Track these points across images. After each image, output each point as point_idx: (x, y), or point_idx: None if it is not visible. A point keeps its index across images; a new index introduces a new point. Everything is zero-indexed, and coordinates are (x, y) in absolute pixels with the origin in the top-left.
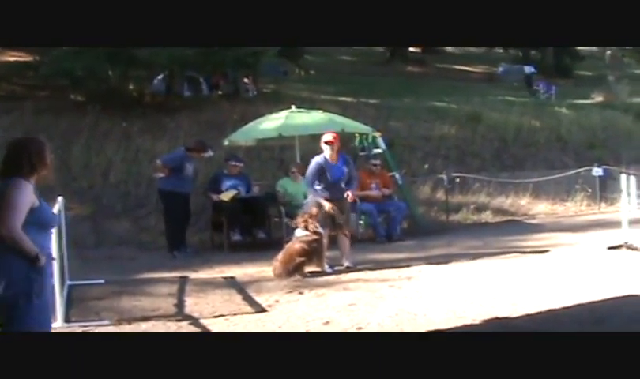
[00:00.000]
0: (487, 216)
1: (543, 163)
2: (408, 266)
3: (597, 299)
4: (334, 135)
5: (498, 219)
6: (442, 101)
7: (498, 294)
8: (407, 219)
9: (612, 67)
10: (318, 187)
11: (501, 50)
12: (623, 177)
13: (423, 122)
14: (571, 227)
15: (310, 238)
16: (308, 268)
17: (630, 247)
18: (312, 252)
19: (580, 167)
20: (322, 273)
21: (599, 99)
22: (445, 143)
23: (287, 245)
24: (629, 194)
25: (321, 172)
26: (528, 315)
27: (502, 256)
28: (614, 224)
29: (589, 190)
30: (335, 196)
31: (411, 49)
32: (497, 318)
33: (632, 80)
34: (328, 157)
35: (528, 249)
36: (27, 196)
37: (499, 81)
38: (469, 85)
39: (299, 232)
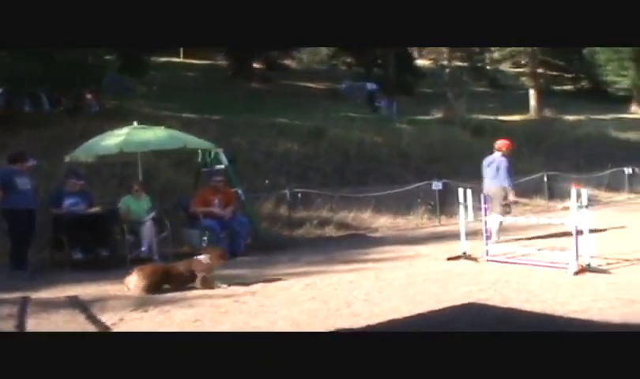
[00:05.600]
0: (330, 231)
1: (384, 177)
2: (252, 281)
3: (437, 308)
4: None
5: (341, 233)
6: (286, 117)
7: (341, 306)
8: (251, 234)
9: (451, 84)
10: None
11: (344, 67)
12: (461, 190)
13: (266, 138)
14: (412, 239)
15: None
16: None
17: (468, 257)
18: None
19: (420, 181)
20: (169, 290)
21: (439, 115)
22: (288, 158)
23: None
24: (466, 207)
25: None
26: (369, 326)
27: (345, 269)
28: (453, 236)
29: (432, 203)
30: None
31: (255, 65)
32: (339, 330)
33: (470, 97)
34: None
35: (370, 262)
36: None
37: (342, 98)
38: (313, 102)
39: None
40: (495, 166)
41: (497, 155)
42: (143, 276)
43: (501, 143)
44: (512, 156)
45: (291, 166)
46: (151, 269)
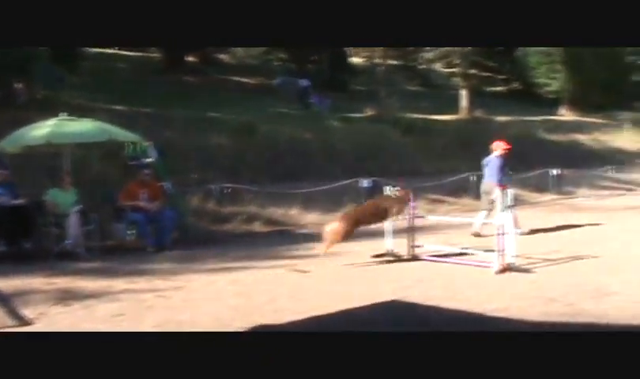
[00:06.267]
0: (258, 226)
1: (314, 174)
2: (177, 275)
3: (361, 305)
4: None
5: (269, 229)
6: (218, 111)
7: (265, 302)
8: (178, 229)
9: (384, 83)
10: None
11: (278, 63)
12: (387, 188)
13: (197, 132)
14: None
15: None
16: None
17: (392, 255)
18: None
19: (350, 179)
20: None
21: (371, 113)
22: (218, 153)
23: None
24: None
25: None
26: (292, 322)
27: (271, 265)
28: (380, 234)
29: (362, 200)
30: None
31: (189, 58)
32: (262, 325)
33: (403, 95)
34: None
35: (297, 259)
36: None
37: (276, 93)
38: (246, 96)
39: None
40: (489, 166)
41: (493, 155)
42: (344, 223)
43: (495, 144)
44: (508, 157)
45: (222, 161)
46: (349, 216)
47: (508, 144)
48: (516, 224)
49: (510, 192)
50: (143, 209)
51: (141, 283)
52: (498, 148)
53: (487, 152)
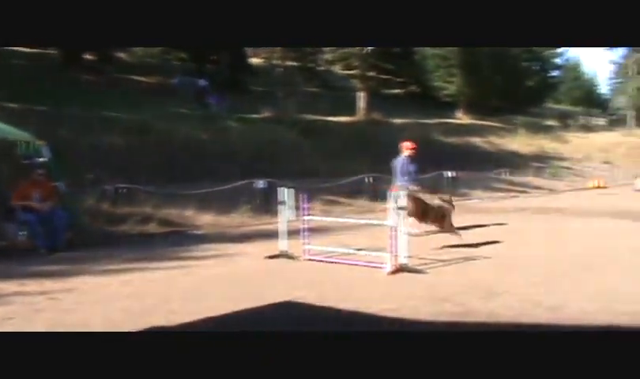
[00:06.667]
0: (153, 227)
1: (210, 175)
2: (69, 277)
3: (256, 306)
4: None
5: (164, 230)
6: (115, 111)
7: (158, 304)
8: (71, 229)
9: (283, 84)
10: None
11: (177, 62)
12: (282, 189)
13: (93, 132)
14: (235, 237)
15: None
16: None
17: (287, 256)
18: None
19: (246, 180)
20: None
21: (268, 114)
22: (114, 153)
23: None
24: (287, 206)
25: None
26: (185, 323)
27: (165, 266)
28: (275, 235)
29: (258, 201)
30: None
31: (86, 56)
32: (154, 327)
33: (301, 97)
34: None
35: (191, 260)
36: None
37: (174, 93)
38: (144, 96)
39: None
40: (397, 167)
41: (402, 156)
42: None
43: (404, 144)
44: (415, 157)
45: (117, 161)
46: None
47: (414, 143)
48: (410, 225)
49: (402, 194)
50: (35, 209)
51: (32, 285)
52: (406, 148)
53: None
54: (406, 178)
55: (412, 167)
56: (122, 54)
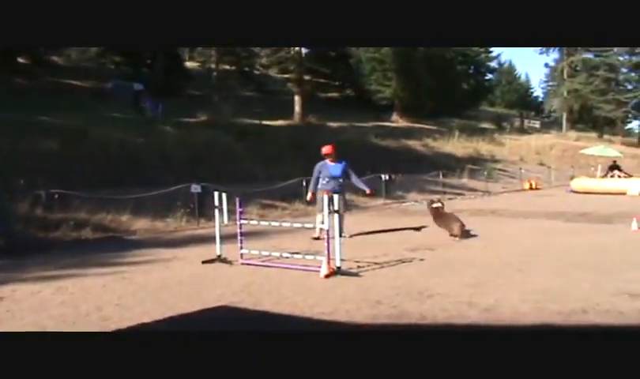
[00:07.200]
0: (87, 233)
1: (145, 179)
2: (1, 286)
3: (190, 311)
4: None
5: (99, 235)
6: (49, 115)
7: (91, 311)
8: (3, 236)
9: (219, 88)
10: None
11: (112, 66)
12: (217, 194)
13: (26, 137)
14: (170, 242)
15: None
16: None
17: (223, 261)
18: None
19: (181, 184)
20: None
21: (204, 118)
22: (48, 158)
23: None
24: (222, 210)
25: None
26: (118, 330)
27: (99, 272)
28: (211, 239)
29: (191, 206)
30: None
31: (19, 60)
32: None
33: (237, 101)
34: None
35: (125, 265)
36: None
37: (109, 97)
38: (78, 100)
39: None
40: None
41: (326, 160)
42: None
43: (323, 149)
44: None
45: (51, 166)
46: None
47: (331, 147)
48: (343, 228)
49: (337, 196)
50: None
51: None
52: (325, 153)
53: (322, 158)
54: (326, 180)
55: (336, 170)
56: (56, 58)
